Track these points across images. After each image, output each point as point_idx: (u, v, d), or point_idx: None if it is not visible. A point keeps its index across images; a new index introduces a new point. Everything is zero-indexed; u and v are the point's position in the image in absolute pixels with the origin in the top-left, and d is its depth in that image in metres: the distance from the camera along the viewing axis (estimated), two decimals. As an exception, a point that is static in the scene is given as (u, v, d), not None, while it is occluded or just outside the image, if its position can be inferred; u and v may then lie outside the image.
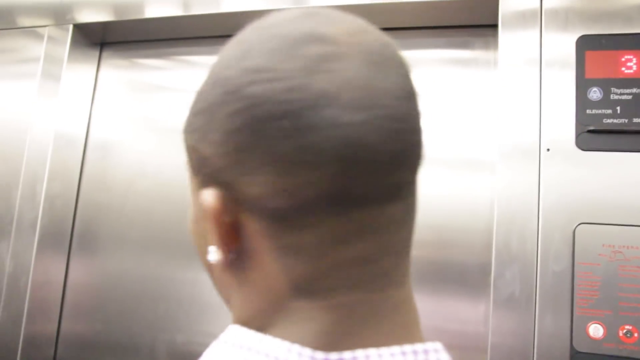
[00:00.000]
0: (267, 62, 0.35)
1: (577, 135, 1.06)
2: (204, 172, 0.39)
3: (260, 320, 0.39)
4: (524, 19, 1.15)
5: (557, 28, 1.12)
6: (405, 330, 0.38)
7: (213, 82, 0.39)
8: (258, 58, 0.35)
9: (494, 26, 1.22)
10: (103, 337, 1.45)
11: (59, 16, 1.53)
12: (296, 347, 0.34)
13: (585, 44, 1.09)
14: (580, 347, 0.99)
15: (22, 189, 1.45)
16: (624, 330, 0.97)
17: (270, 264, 0.38)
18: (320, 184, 0.34)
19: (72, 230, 1.53)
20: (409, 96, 0.36)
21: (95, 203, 1.54)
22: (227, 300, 0.44)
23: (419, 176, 0.40)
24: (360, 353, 0.34)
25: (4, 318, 1.40)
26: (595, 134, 1.04)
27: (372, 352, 0.34)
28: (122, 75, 1.61)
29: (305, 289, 0.37)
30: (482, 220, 1.19)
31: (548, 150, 1.07)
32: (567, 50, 1.11)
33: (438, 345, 0.38)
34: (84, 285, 1.50)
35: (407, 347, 0.36)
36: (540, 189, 1.06)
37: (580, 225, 1.02)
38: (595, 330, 0.99)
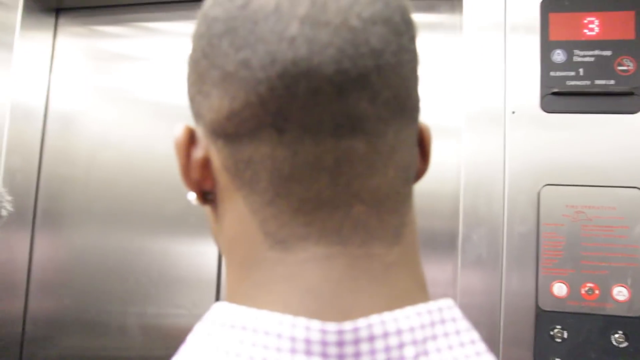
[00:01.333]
0: None
1: (542, 98, 1.07)
2: (193, 113, 0.38)
3: (244, 277, 0.36)
4: (489, -19, 1.15)
5: None
6: (409, 293, 0.35)
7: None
8: None
9: (460, -11, 1.21)
10: (72, 313, 1.43)
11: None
12: (301, 321, 0.31)
13: (549, 5, 1.09)
14: (545, 305, 1.02)
15: (-21, 164, 1.40)
16: (586, 288, 1.00)
17: (239, 206, 0.36)
18: (259, 105, 0.32)
19: (34, 205, 1.49)
20: (382, 20, 0.33)
21: (58, 176, 1.49)
22: (223, 255, 0.41)
23: (408, 123, 0.36)
24: (375, 319, 0.31)
25: (-34, 296, 1.37)
26: (559, 96, 1.06)
27: (387, 317, 0.31)
28: (80, 43, 1.55)
29: (276, 235, 0.34)
30: (449, 185, 1.20)
31: (513, 112, 1.08)
32: (531, 12, 1.11)
33: (450, 302, 0.35)
34: (50, 260, 1.47)
35: (422, 307, 0.33)
36: (505, 152, 1.07)
37: (545, 187, 1.04)
38: (559, 289, 1.02)
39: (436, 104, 1.26)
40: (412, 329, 0.31)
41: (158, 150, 1.42)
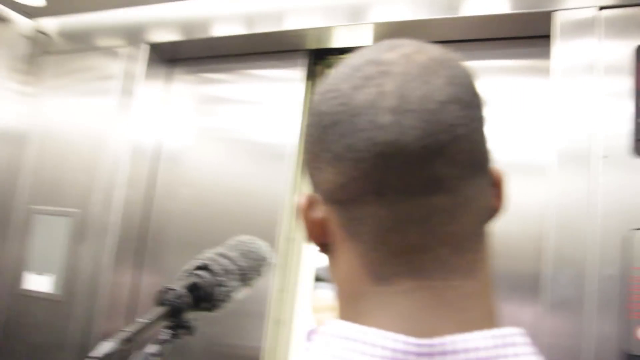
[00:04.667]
0: (333, 84, 0.44)
1: (635, 142, 1.06)
2: (312, 183, 0.48)
3: (350, 307, 0.45)
4: (579, 28, 1.17)
5: (614, 36, 1.13)
6: (483, 319, 0.42)
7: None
8: (329, 83, 0.45)
9: (548, 37, 1.24)
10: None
11: (134, 36, 1.66)
12: (401, 337, 0.39)
13: (643, 52, 1.09)
14: (633, 350, 0.99)
15: (102, 195, 1.57)
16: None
17: (349, 253, 0.44)
18: (364, 178, 0.41)
19: (146, 234, 1.64)
20: (455, 100, 0.41)
21: (166, 210, 1.64)
22: (336, 291, 0.50)
23: (480, 175, 0.43)
24: (458, 337, 0.39)
25: (81, 315, 1.52)
26: (652, 141, 1.04)
27: (467, 336, 0.39)
28: (191, 88, 1.72)
29: (378, 274, 0.43)
30: (534, 225, 1.20)
31: (605, 157, 1.08)
32: (624, 58, 1.11)
33: (513, 330, 0.41)
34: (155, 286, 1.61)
35: (495, 331, 0.40)
36: (597, 195, 1.07)
37: (636, 231, 1.02)
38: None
39: (528, 145, 1.27)
40: (486, 348, 0.39)
41: (255, 185, 1.53)
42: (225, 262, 0.87)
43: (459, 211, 0.42)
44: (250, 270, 0.90)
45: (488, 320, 0.43)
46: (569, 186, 1.10)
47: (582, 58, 1.15)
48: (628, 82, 1.10)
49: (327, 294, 2.16)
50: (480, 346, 0.39)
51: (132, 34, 1.67)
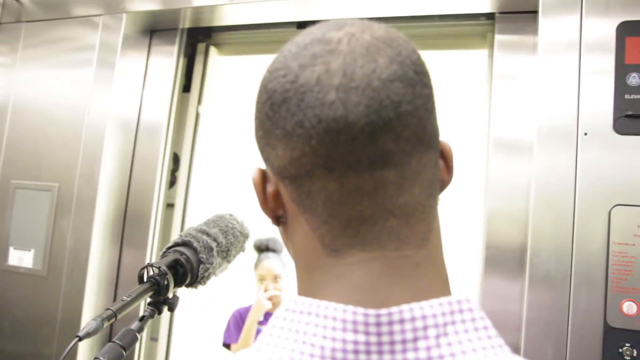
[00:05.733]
0: (281, 62, 0.46)
1: (615, 120, 1.09)
2: (263, 159, 0.50)
3: (307, 279, 0.47)
4: (564, 4, 1.18)
5: (597, 14, 1.15)
6: (434, 287, 0.44)
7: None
8: (278, 61, 0.47)
9: (535, 12, 1.25)
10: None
11: (112, 5, 1.61)
12: (350, 307, 0.41)
13: (626, 29, 1.11)
14: (615, 323, 1.03)
15: (83, 168, 1.55)
16: (657, 308, 1.02)
17: (303, 226, 0.47)
18: (313, 153, 0.43)
19: (125, 208, 1.63)
20: (399, 78, 0.43)
21: (146, 182, 1.63)
22: (294, 262, 0.52)
23: (427, 149, 0.45)
24: (405, 307, 0.41)
25: (64, 290, 1.52)
26: (632, 119, 1.07)
27: (414, 305, 0.41)
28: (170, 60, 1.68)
29: (331, 246, 0.45)
30: (518, 201, 1.23)
31: (586, 134, 1.11)
32: (607, 35, 1.13)
33: (468, 296, 0.44)
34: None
35: (443, 299, 0.42)
36: (577, 171, 1.10)
37: (616, 207, 1.06)
38: (629, 307, 1.03)
39: (510, 121, 1.30)
40: (434, 315, 0.41)
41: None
42: (206, 239, 0.87)
43: (406, 184, 0.44)
44: (230, 246, 0.90)
45: (441, 288, 0.45)
46: (551, 163, 1.13)
47: (566, 35, 1.17)
48: (610, 60, 1.12)
49: (272, 263, 2.28)
50: (428, 314, 0.41)
51: (110, 2, 1.62)
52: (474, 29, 1.49)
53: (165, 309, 0.81)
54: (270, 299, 2.21)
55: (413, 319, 0.41)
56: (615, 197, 1.07)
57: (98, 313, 1.46)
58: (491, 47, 1.41)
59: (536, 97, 1.18)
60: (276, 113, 0.45)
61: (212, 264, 0.86)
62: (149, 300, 0.79)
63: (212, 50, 1.78)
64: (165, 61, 1.66)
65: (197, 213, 1.73)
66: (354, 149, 0.42)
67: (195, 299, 1.93)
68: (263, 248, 2.34)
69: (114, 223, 1.60)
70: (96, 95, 1.57)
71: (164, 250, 0.86)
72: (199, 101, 1.76)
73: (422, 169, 0.45)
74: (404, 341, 0.40)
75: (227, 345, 2.20)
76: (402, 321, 0.40)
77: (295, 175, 0.45)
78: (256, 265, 2.33)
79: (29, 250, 1.56)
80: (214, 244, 0.87)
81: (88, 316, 1.49)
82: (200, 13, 1.57)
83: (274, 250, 2.34)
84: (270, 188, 0.49)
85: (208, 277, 0.87)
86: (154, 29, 1.69)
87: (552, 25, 1.18)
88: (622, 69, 1.10)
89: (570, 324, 1.07)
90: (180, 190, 1.71)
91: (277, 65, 0.46)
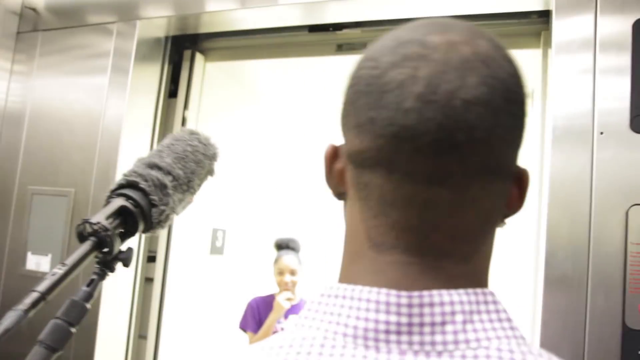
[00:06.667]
0: (375, 54, 0.45)
1: (632, 118, 1.07)
2: (343, 135, 0.50)
3: (348, 266, 0.48)
4: (578, 3, 1.16)
5: (612, 11, 1.13)
6: (467, 287, 0.44)
7: None
8: (374, 49, 0.46)
9: (548, 11, 1.24)
10: None
11: (126, 12, 1.63)
12: (384, 290, 0.43)
13: (642, 27, 1.09)
14: (633, 324, 1.01)
15: (98, 174, 1.57)
16: (678, 309, 1.00)
17: (356, 212, 0.47)
18: (378, 152, 0.43)
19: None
20: (482, 102, 0.41)
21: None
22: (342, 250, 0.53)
23: (492, 178, 0.44)
24: (434, 292, 0.42)
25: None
26: (650, 117, 1.05)
27: (443, 292, 0.42)
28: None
29: (375, 240, 0.46)
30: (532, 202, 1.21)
31: (602, 133, 1.09)
32: (623, 33, 1.11)
33: (493, 292, 0.45)
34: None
35: (470, 290, 0.43)
36: (593, 171, 1.08)
37: (634, 207, 1.04)
38: (648, 309, 1.01)
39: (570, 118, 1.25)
40: (461, 302, 0.42)
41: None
42: (156, 175, 0.72)
43: (460, 207, 0.44)
44: (192, 175, 0.76)
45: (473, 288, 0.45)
46: (566, 163, 1.11)
47: (581, 33, 1.15)
48: (626, 58, 1.10)
49: (290, 260, 2.57)
50: (455, 300, 0.42)
51: (124, 10, 1.64)
52: (527, 27, 1.41)
53: (119, 265, 0.69)
54: (287, 300, 2.47)
55: (442, 304, 0.42)
56: (633, 197, 1.05)
57: (115, 316, 1.48)
58: (546, 45, 1.34)
59: (551, 96, 1.16)
60: (355, 102, 0.45)
61: (167, 204, 0.72)
62: (96, 259, 0.67)
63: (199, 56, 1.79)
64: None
65: (182, 215, 1.74)
66: (416, 161, 0.42)
67: (186, 296, 1.94)
68: (284, 246, 2.62)
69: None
70: (111, 101, 1.59)
71: (108, 194, 0.71)
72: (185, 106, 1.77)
73: (483, 196, 0.44)
74: (432, 324, 0.41)
75: (243, 329, 2.46)
76: (432, 304, 0.42)
77: (360, 164, 0.45)
78: (276, 261, 2.58)
79: (47, 255, 1.58)
80: (167, 179, 0.72)
81: (105, 318, 1.50)
82: (187, 19, 1.58)
83: (293, 249, 2.61)
84: (338, 165, 0.49)
85: (167, 219, 0.73)
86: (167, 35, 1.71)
87: (566, 23, 1.17)
88: (639, 67, 1.08)
89: (588, 327, 1.05)
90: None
91: (371, 55, 0.46)
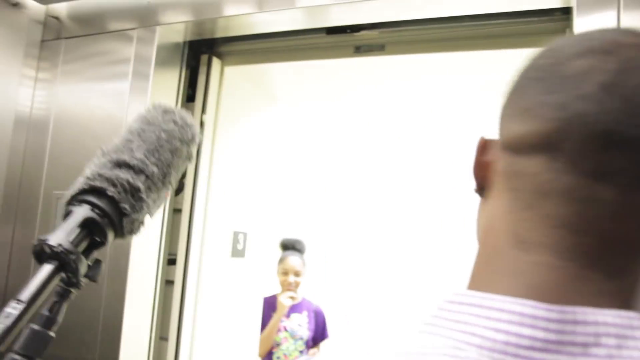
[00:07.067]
0: (556, 46, 0.44)
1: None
2: (499, 127, 0.49)
3: (483, 269, 0.45)
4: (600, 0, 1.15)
5: (634, 8, 1.11)
6: (613, 305, 0.39)
7: None
8: (552, 45, 0.45)
9: (569, 9, 1.22)
10: None
11: (146, 18, 1.65)
12: (530, 302, 0.38)
13: (665, 22, 1.07)
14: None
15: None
16: None
17: (499, 206, 0.45)
18: (542, 136, 0.40)
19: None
20: None
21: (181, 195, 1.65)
22: (478, 244, 0.49)
23: None
24: (588, 310, 0.38)
25: (109, 296, 1.55)
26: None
27: (597, 311, 0.38)
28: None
29: (520, 237, 0.42)
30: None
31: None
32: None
33: None
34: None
35: (622, 312, 0.38)
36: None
37: None
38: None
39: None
40: (615, 325, 0.38)
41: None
42: (125, 177, 0.60)
43: (622, 211, 0.39)
44: (169, 168, 0.63)
45: (619, 307, 0.40)
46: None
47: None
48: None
49: (295, 261, 2.58)
50: (609, 322, 0.38)
51: (144, 16, 1.66)
52: (550, 25, 1.39)
53: (86, 280, 0.60)
54: (290, 298, 2.52)
55: (596, 323, 0.38)
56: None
57: (137, 318, 1.49)
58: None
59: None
60: (525, 87, 0.44)
61: (140, 210, 0.60)
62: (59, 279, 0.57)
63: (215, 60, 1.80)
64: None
65: (202, 218, 1.76)
66: (583, 151, 0.39)
67: (207, 299, 1.95)
68: (289, 247, 2.66)
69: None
70: (132, 106, 1.61)
71: (68, 199, 0.61)
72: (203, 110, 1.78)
73: None
74: (585, 344, 0.37)
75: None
76: (585, 323, 0.38)
77: (516, 150, 0.43)
78: (281, 260, 2.61)
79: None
80: (140, 181, 0.60)
81: (129, 322, 1.52)
82: (205, 24, 1.60)
83: (299, 250, 2.64)
84: (485, 158, 0.48)
85: (140, 225, 0.62)
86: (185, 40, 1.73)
87: (588, 20, 1.15)
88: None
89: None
90: (187, 197, 1.73)
91: (552, 47, 0.45)
